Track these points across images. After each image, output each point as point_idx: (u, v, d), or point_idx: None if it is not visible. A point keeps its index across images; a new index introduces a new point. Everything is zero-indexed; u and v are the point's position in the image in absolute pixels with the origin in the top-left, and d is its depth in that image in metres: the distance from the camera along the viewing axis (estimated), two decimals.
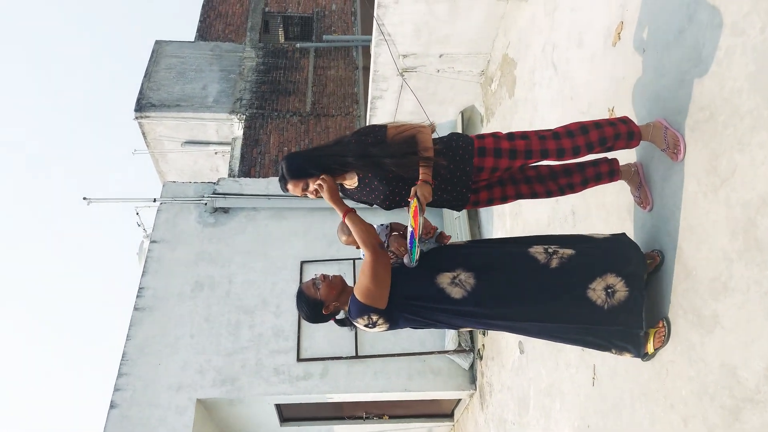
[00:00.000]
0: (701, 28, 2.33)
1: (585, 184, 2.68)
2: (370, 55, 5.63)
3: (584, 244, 2.48)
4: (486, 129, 5.73)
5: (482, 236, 5.90)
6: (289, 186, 2.38)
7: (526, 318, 2.39)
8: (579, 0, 3.55)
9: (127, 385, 5.97)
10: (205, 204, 7.10)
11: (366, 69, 11.46)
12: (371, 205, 2.58)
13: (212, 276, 6.68)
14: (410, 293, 2.34)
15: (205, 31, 14.04)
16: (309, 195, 2.40)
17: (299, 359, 6.19)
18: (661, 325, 2.50)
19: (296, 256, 6.84)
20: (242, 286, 6.63)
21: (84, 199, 7.19)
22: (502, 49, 5.11)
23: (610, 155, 2.73)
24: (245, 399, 6.11)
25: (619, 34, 3.02)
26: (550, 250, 2.38)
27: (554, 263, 2.34)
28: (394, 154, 2.28)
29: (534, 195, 2.66)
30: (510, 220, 4.92)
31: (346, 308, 2.44)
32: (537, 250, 2.39)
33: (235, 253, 6.86)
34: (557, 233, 2.75)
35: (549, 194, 2.67)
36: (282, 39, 14.80)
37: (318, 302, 2.39)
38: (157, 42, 12.66)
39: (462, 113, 6.13)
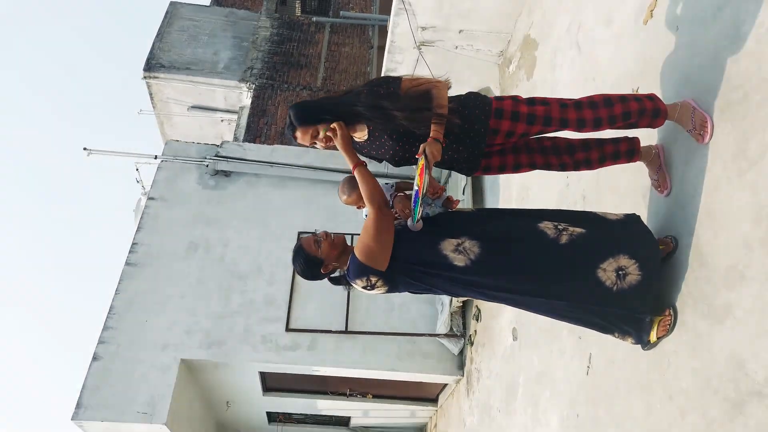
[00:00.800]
0: (742, 3, 2.20)
1: (602, 162, 2.55)
2: (386, 34, 5.50)
3: (596, 223, 2.37)
4: None
5: None
6: (298, 133, 2.28)
7: (529, 293, 2.29)
8: None
9: (111, 339, 5.90)
10: (207, 166, 6.99)
11: (381, 49, 11.28)
12: (380, 160, 2.47)
13: (208, 238, 6.58)
14: (412, 257, 2.24)
15: None
16: (318, 144, 2.30)
17: (288, 329, 6.11)
18: (667, 314, 2.40)
19: (294, 227, 6.73)
20: (237, 252, 6.54)
21: (84, 149, 7.07)
22: (525, 30, 4.97)
23: (631, 133, 2.61)
24: (230, 363, 6.04)
25: (651, 11, 2.90)
26: (560, 227, 2.27)
27: (564, 239, 2.23)
28: (406, 107, 2.18)
29: (548, 166, 2.53)
30: (516, 204, 4.82)
31: (345, 268, 2.34)
32: (546, 226, 2.28)
33: (233, 218, 6.77)
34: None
35: (563, 167, 2.55)
36: (298, 12, 14.60)
37: (317, 260, 2.30)
38: (171, 3, 12.48)
39: None
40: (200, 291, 6.25)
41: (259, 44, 12.18)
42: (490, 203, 5.70)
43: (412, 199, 2.23)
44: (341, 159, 7.15)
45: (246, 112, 11.31)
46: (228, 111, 12.23)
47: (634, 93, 2.56)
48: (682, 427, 2.28)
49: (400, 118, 2.18)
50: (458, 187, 6.22)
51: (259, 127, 11.16)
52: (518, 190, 4.79)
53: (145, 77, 11.45)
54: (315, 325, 6.17)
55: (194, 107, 12.21)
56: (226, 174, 7.05)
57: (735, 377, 2.03)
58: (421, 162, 2.13)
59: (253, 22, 12.57)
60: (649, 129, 2.56)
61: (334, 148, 2.31)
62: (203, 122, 12.43)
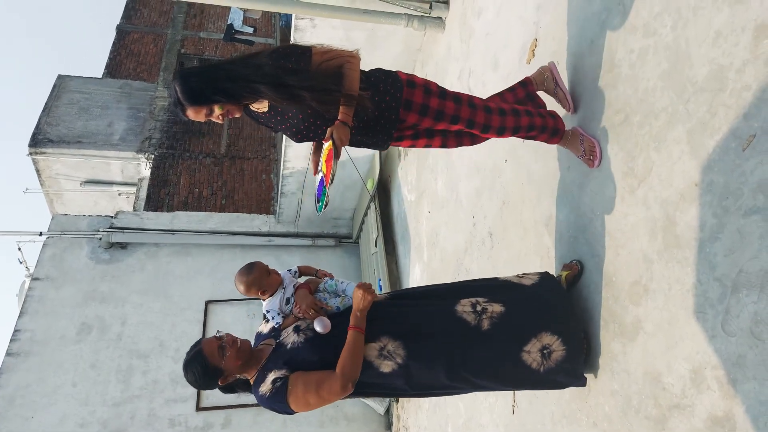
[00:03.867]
0: (613, 34, 2.35)
1: (516, 132, 2.39)
2: None
3: (513, 294, 2.32)
4: (404, 163, 5.68)
5: (399, 271, 5.72)
6: (189, 112, 1.98)
7: (460, 386, 2.19)
8: (494, 24, 3.60)
9: None
10: (100, 239, 6.49)
11: None
12: (276, 131, 2.30)
13: (102, 317, 6.02)
14: None
15: (114, 69, 13.46)
16: (215, 120, 2.03)
17: (199, 408, 5.61)
18: (583, 341, 2.38)
19: (201, 296, 6.35)
20: (137, 328, 6.02)
21: None
22: None
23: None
24: None
25: (533, 51, 3.04)
26: (478, 308, 2.18)
27: (485, 325, 2.14)
28: (315, 87, 1.99)
29: (459, 145, 2.49)
30: (427, 250, 4.80)
31: (250, 376, 2.05)
32: (465, 309, 2.17)
33: (132, 292, 6.26)
34: (480, 278, 2.50)
35: (473, 143, 2.51)
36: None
37: (217, 370, 1.98)
38: (59, 77, 11.96)
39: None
40: (95, 376, 5.65)
41: (157, 114, 11.84)
42: (402, 252, 5.66)
43: (317, 188, 2.05)
44: (246, 222, 6.87)
45: (146, 183, 10.81)
46: (126, 183, 11.65)
47: (539, 107, 2.59)
48: None
49: (308, 99, 1.99)
50: (370, 240, 6.16)
51: (160, 197, 10.67)
52: (428, 236, 4.79)
53: (30, 153, 10.73)
54: (229, 401, 5.70)
55: (88, 182, 11.54)
56: (123, 246, 6.58)
57: (654, 393, 2.01)
58: (328, 147, 1.98)
59: (149, 93, 12.26)
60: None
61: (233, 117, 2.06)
62: (99, 197, 11.74)
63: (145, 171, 11.03)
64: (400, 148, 5.76)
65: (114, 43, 13.51)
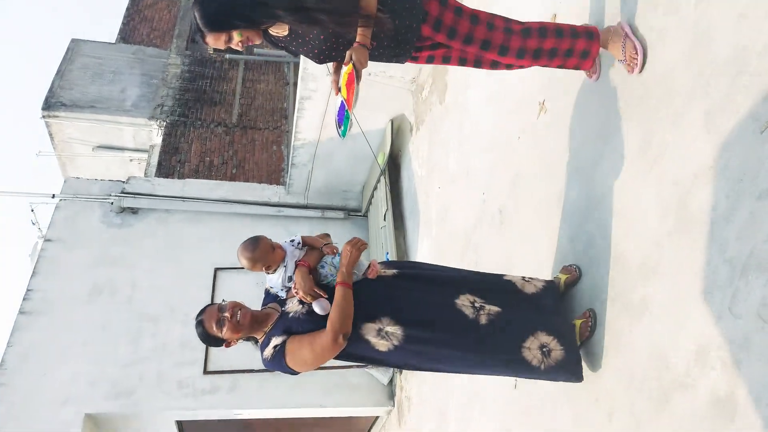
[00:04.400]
0: (633, 11, 2.31)
1: (537, 58, 2.28)
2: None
3: (511, 298, 2.35)
4: (415, 137, 5.66)
5: (407, 246, 5.75)
6: (209, 39, 2.01)
7: (457, 371, 2.32)
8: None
9: (3, 397, 5.27)
10: (112, 203, 6.55)
11: (296, 85, 11.30)
12: (296, 55, 2.32)
13: (113, 280, 6.11)
14: None
15: (127, 34, 13.40)
16: (235, 47, 2.05)
17: (206, 372, 5.72)
18: (587, 316, 2.41)
19: (210, 263, 6.41)
20: (147, 292, 6.10)
21: None
22: None
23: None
24: (142, 414, 5.55)
25: (554, 15, 3.01)
26: (476, 305, 2.22)
27: (483, 320, 2.19)
28: (333, 10, 1.99)
29: (477, 64, 2.37)
30: (436, 226, 4.82)
31: (258, 337, 2.16)
32: (464, 303, 2.22)
33: (142, 257, 6.34)
34: (486, 272, 2.53)
35: (494, 65, 2.38)
36: (211, 50, 14.37)
37: (218, 340, 2.13)
38: (73, 40, 11.92)
39: (392, 122, 6.04)
40: (105, 337, 5.75)
41: (170, 81, 11.81)
42: (410, 227, 5.68)
43: (338, 113, 2.06)
44: (257, 192, 6.90)
45: (157, 150, 10.84)
46: (138, 150, 11.69)
47: (575, 26, 2.35)
48: (610, 427, 2.25)
49: (328, 21, 2.00)
50: (379, 214, 6.18)
51: (171, 165, 10.70)
52: (438, 212, 4.80)
53: (43, 116, 10.77)
54: (236, 366, 5.81)
55: (100, 147, 11.59)
56: (134, 211, 6.64)
57: (657, 371, 2.03)
58: (348, 70, 1.97)
59: (162, 60, 12.21)
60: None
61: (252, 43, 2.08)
62: (110, 162, 11.80)
63: (157, 138, 11.05)
64: (411, 121, 5.74)
65: (128, 8, 13.42)
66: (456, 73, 4.59)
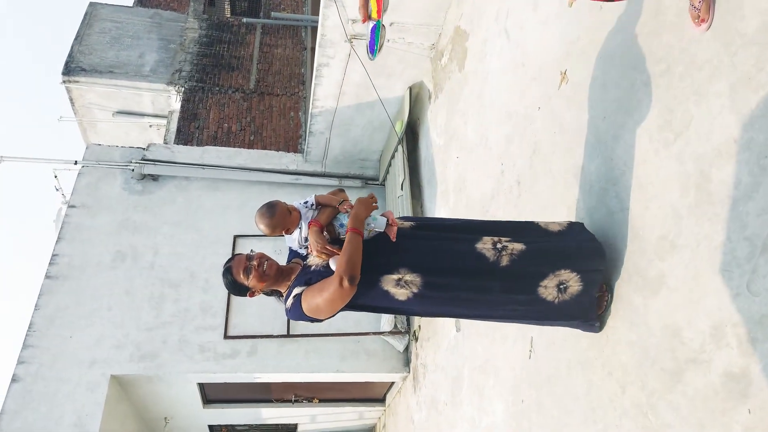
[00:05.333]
0: None
1: None
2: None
3: (535, 234, 2.35)
4: (434, 106, 5.60)
5: (424, 214, 5.76)
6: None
7: (473, 316, 2.35)
8: None
9: (32, 358, 5.47)
10: (133, 170, 6.63)
11: (314, 50, 11.19)
12: None
13: (135, 246, 6.23)
14: (352, 299, 2.10)
15: None
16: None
17: (226, 336, 5.86)
18: (603, 290, 2.41)
19: (229, 230, 6.50)
20: (169, 259, 6.22)
21: None
22: (455, 21, 4.98)
23: None
24: (165, 376, 5.73)
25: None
26: (499, 246, 2.22)
27: (504, 261, 2.19)
28: None
29: None
30: (453, 195, 4.80)
31: (282, 290, 2.24)
32: (485, 245, 2.22)
33: (163, 224, 6.44)
34: (505, 219, 2.51)
35: None
36: (228, 13, 14.24)
37: (243, 287, 2.20)
38: (91, 4, 11.87)
39: (410, 89, 5.97)
40: (129, 302, 5.91)
41: (188, 46, 11.76)
42: (428, 196, 5.67)
43: (370, 33, 1.98)
44: (274, 159, 6.92)
45: (176, 117, 10.88)
46: (156, 116, 11.74)
47: None
48: (623, 401, 2.28)
49: None
50: (396, 183, 6.17)
51: (190, 131, 10.75)
52: (455, 182, 4.78)
53: (64, 81, 10.83)
54: (255, 331, 5.95)
55: (120, 113, 11.66)
56: (154, 178, 6.71)
57: (672, 346, 2.04)
58: None
59: (180, 24, 12.13)
60: None
61: None
62: (130, 128, 11.88)
63: (176, 104, 11.07)
64: (430, 89, 5.66)
65: None
66: (476, 39, 4.50)
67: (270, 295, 2.33)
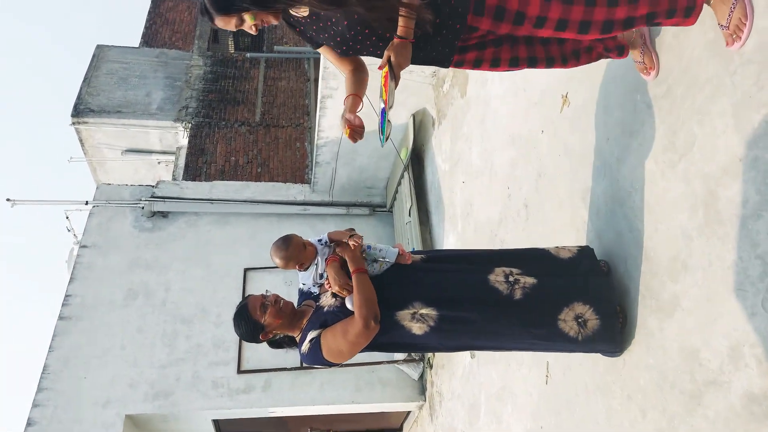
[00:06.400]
0: None
1: (590, 52, 2.08)
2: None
3: (546, 264, 2.35)
4: (438, 132, 5.64)
5: (433, 241, 5.75)
6: (218, 22, 1.76)
7: (493, 347, 2.33)
8: None
9: (47, 401, 5.46)
10: (143, 207, 6.70)
11: (317, 81, 11.33)
12: (319, 45, 1.96)
13: (147, 283, 6.26)
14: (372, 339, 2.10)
15: (150, 38, 13.61)
16: (248, 30, 1.79)
17: (240, 371, 5.83)
18: (617, 312, 2.38)
19: (240, 264, 6.52)
20: (180, 294, 6.24)
21: (8, 200, 6.65)
22: None
23: None
24: (180, 414, 5.69)
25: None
26: (510, 278, 2.22)
27: (518, 294, 2.18)
28: None
29: (533, 62, 2.01)
30: (461, 221, 4.80)
31: (295, 335, 2.21)
32: (497, 278, 2.21)
33: (174, 260, 6.48)
34: (514, 247, 2.52)
35: (550, 63, 2.03)
36: (232, 49, 14.51)
37: (259, 326, 2.15)
38: (98, 46, 12.15)
39: (414, 116, 6.03)
40: (142, 340, 5.91)
41: (193, 83, 11.97)
42: (435, 221, 5.68)
43: (380, 116, 1.98)
44: (282, 191, 6.97)
45: (184, 152, 11.02)
46: (165, 152, 11.90)
47: None
48: (644, 425, 2.24)
49: (357, 5, 1.69)
50: (404, 210, 6.19)
51: (198, 165, 10.88)
52: (462, 207, 4.79)
53: (73, 123, 11.04)
54: (268, 364, 5.91)
55: (128, 151, 11.83)
56: (164, 215, 6.77)
57: (690, 368, 2.01)
58: (386, 71, 1.76)
59: (185, 61, 12.37)
60: None
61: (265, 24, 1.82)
62: (139, 165, 12.04)
63: (183, 140, 11.23)
64: (433, 115, 5.71)
65: (150, 11, 13.62)
66: None
67: (279, 347, 2.30)
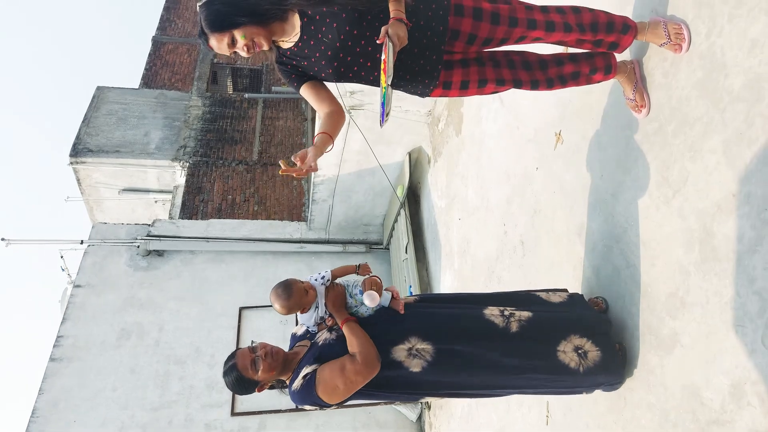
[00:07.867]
0: (646, 42, 2.31)
1: (576, 78, 2.20)
2: None
3: (539, 306, 2.34)
4: (434, 169, 5.68)
5: (430, 278, 5.72)
6: (212, 42, 1.87)
7: (493, 388, 2.20)
8: None
9: None
10: (138, 246, 6.67)
11: (314, 120, 11.46)
12: (300, 83, 2.04)
13: (141, 323, 6.18)
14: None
15: (150, 79, 13.82)
16: (240, 52, 1.88)
17: (234, 413, 5.71)
18: (617, 349, 2.35)
19: (235, 303, 6.45)
20: (174, 334, 6.15)
21: (2, 240, 6.62)
22: None
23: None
24: None
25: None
26: (506, 313, 2.19)
27: (514, 327, 2.15)
28: None
29: (518, 83, 2.12)
30: (458, 258, 4.79)
31: (286, 378, 2.11)
32: (492, 313, 2.19)
33: (169, 299, 6.41)
34: (504, 291, 2.51)
35: (535, 85, 2.15)
36: (230, 90, 14.74)
37: (253, 383, 2.05)
38: (98, 88, 12.34)
39: (410, 154, 6.08)
40: (134, 381, 5.79)
41: (192, 123, 12.11)
42: (432, 258, 5.66)
43: (380, 98, 1.95)
44: (278, 229, 6.95)
45: (181, 191, 11.05)
46: (162, 191, 11.94)
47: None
48: None
49: None
50: (400, 247, 6.17)
51: (195, 204, 10.90)
52: (459, 243, 4.78)
53: (71, 163, 11.10)
54: (263, 406, 5.78)
55: (126, 190, 11.87)
56: (160, 253, 6.74)
57: (692, 408, 1.97)
58: (385, 49, 1.76)
59: (184, 102, 12.55)
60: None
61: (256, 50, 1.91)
62: (136, 204, 12.05)
63: (180, 179, 11.28)
64: (429, 153, 5.77)
65: (150, 54, 13.88)
66: (471, 105, 4.62)
67: (272, 388, 2.20)
